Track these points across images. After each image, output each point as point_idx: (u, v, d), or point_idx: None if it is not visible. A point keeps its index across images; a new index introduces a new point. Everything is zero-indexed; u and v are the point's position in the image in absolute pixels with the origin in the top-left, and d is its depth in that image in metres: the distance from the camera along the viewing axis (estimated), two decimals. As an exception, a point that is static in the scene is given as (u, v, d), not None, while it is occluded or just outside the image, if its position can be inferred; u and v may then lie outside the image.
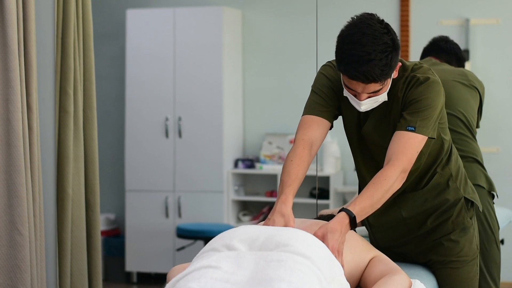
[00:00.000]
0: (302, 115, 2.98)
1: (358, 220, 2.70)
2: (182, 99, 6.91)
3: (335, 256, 2.60)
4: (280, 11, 7.14)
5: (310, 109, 2.97)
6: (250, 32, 7.21)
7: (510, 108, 6.64)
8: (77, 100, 3.85)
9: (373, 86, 2.75)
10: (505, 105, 6.58)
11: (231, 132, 7.01)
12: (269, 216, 2.75)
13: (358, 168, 3.13)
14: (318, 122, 2.95)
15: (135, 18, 7.01)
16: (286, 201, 2.76)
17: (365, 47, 2.69)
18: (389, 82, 2.81)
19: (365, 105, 2.81)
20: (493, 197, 3.93)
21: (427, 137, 2.83)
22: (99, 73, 4.96)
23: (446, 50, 4.24)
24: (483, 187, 3.84)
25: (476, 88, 4.01)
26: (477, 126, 4.09)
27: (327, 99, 2.97)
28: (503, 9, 6.65)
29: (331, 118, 2.99)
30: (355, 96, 2.81)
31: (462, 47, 6.52)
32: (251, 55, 7.22)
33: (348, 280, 2.58)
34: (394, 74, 2.85)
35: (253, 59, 7.22)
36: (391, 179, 2.74)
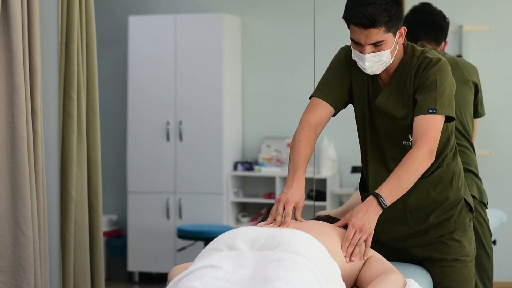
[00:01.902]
0: (313, 96, 3.10)
1: (389, 201, 2.80)
2: (183, 103, 6.93)
3: (356, 232, 2.71)
4: (279, 17, 7.13)
5: (320, 92, 3.10)
6: (249, 38, 7.20)
7: (502, 113, 6.66)
8: (80, 104, 3.84)
9: (374, 34, 2.85)
10: (498, 109, 6.59)
11: (230, 136, 7.02)
12: (285, 191, 2.88)
13: (363, 156, 3.17)
14: (323, 106, 3.06)
15: (137, 25, 7.02)
16: (301, 181, 2.91)
17: None
18: (391, 40, 2.91)
19: (369, 61, 2.90)
20: (485, 205, 3.95)
21: (444, 116, 2.92)
22: (102, 78, 4.99)
23: (433, 27, 4.03)
24: (474, 196, 3.85)
25: (471, 82, 3.95)
26: (479, 115, 4.07)
27: (337, 84, 3.08)
28: (496, 15, 6.65)
29: (338, 106, 3.10)
30: (360, 52, 2.91)
31: (455, 53, 6.52)
32: (250, 60, 7.21)
33: (345, 280, 2.61)
34: (400, 40, 2.96)
35: (252, 64, 7.21)
36: (417, 159, 2.83)
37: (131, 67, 7.05)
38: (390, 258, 3.02)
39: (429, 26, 4.03)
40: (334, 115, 3.13)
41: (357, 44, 2.91)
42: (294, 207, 2.86)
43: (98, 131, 4.00)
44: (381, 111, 3.05)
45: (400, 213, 3.10)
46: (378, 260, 2.79)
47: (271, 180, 7.06)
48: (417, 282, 2.78)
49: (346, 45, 3.14)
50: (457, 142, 3.84)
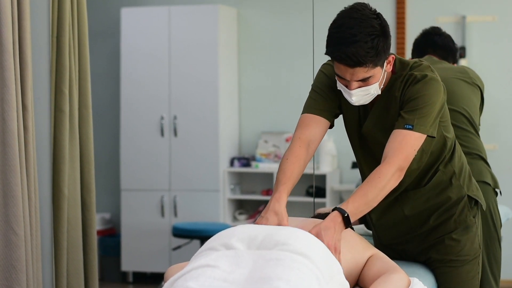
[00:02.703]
0: (301, 114, 2.99)
1: (353, 218, 2.69)
2: (177, 98, 6.91)
3: (332, 253, 2.60)
4: (276, 9, 7.15)
5: (309, 108, 2.98)
6: (245, 30, 7.21)
7: (506, 106, 6.68)
8: (72, 99, 3.84)
9: (361, 72, 2.73)
10: (502, 102, 6.62)
11: (227, 131, 7.01)
12: (262, 214, 2.76)
13: (359, 166, 3.13)
14: (316, 121, 2.96)
15: (130, 17, 7.01)
16: (280, 200, 2.78)
17: (351, 29, 2.69)
18: (379, 73, 2.79)
19: (356, 96, 2.79)
20: (496, 194, 3.95)
21: (425, 135, 2.81)
22: (94, 72, 4.94)
23: (442, 46, 4.19)
24: (489, 184, 3.85)
25: (477, 86, 4.00)
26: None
27: (326, 98, 2.97)
28: (499, 6, 6.69)
29: (331, 117, 3.00)
30: (346, 86, 2.80)
31: (458, 44, 6.55)
32: (246, 54, 7.23)
33: (346, 279, 2.57)
34: (388, 68, 2.84)
35: (249, 57, 7.23)
36: (386, 177, 2.73)
37: (124, 61, 7.05)
38: (392, 258, 2.96)
39: (437, 45, 4.22)
40: (331, 127, 3.04)
41: (343, 79, 2.80)
42: None
43: (91, 127, 4.00)
44: (369, 138, 2.99)
45: (402, 217, 3.07)
46: (381, 259, 2.77)
47: (268, 176, 7.06)
48: (420, 281, 2.76)
49: (329, 60, 3.02)
50: (464, 128, 3.86)
